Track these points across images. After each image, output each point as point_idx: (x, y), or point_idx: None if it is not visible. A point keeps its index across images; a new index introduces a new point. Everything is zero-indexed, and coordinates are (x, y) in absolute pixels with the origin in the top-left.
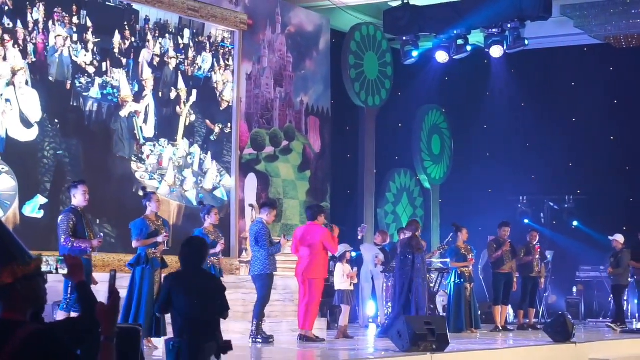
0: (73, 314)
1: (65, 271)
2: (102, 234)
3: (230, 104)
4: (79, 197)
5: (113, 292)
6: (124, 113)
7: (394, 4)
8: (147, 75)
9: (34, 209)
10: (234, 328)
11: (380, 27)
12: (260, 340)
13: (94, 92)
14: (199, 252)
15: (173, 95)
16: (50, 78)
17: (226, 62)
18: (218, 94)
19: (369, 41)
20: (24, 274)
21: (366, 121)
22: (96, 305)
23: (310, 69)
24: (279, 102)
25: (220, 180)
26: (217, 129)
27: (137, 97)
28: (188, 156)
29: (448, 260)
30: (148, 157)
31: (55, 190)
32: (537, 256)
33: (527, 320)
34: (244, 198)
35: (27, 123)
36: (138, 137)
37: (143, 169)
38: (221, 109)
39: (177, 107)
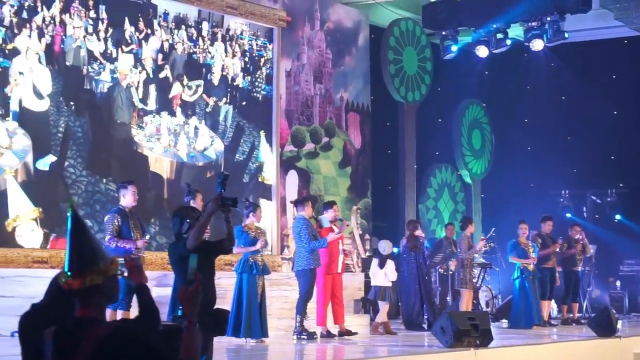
0: (119, 312)
1: (126, 273)
2: (148, 235)
3: (225, 74)
4: (128, 198)
5: (196, 276)
6: (124, 84)
7: None
8: (147, 54)
9: (45, 165)
10: (278, 325)
11: (419, 22)
12: (305, 337)
13: (105, 75)
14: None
15: (170, 75)
16: (67, 63)
17: (233, 50)
18: (212, 71)
19: (408, 36)
20: (111, 273)
21: (406, 117)
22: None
23: (349, 65)
24: (318, 98)
25: (212, 143)
26: (211, 102)
27: (135, 72)
28: (185, 125)
29: (509, 256)
30: (146, 124)
31: (64, 151)
32: (580, 249)
33: (571, 315)
34: (285, 195)
35: (39, 95)
36: (136, 105)
37: (142, 134)
38: (215, 84)
39: (184, 90)
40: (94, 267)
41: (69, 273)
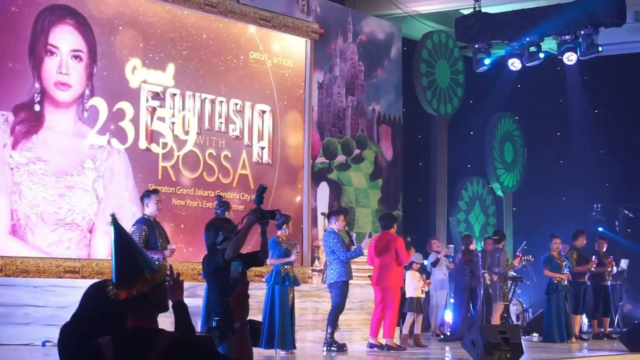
0: None
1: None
2: (174, 245)
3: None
4: (151, 207)
5: (243, 280)
6: None
7: (466, 12)
8: None
9: None
10: (308, 336)
11: (452, 35)
12: (335, 349)
13: None
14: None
15: None
16: None
17: None
18: None
19: (440, 49)
20: (157, 281)
21: (438, 129)
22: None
23: (381, 77)
24: (350, 110)
25: None
26: None
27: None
28: None
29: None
30: None
31: None
32: (610, 266)
33: (602, 329)
34: (317, 206)
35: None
36: None
37: None
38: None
39: None
40: (140, 277)
41: (116, 284)
